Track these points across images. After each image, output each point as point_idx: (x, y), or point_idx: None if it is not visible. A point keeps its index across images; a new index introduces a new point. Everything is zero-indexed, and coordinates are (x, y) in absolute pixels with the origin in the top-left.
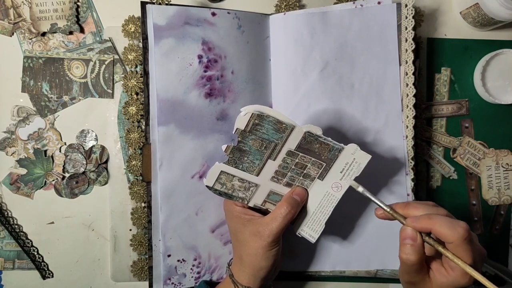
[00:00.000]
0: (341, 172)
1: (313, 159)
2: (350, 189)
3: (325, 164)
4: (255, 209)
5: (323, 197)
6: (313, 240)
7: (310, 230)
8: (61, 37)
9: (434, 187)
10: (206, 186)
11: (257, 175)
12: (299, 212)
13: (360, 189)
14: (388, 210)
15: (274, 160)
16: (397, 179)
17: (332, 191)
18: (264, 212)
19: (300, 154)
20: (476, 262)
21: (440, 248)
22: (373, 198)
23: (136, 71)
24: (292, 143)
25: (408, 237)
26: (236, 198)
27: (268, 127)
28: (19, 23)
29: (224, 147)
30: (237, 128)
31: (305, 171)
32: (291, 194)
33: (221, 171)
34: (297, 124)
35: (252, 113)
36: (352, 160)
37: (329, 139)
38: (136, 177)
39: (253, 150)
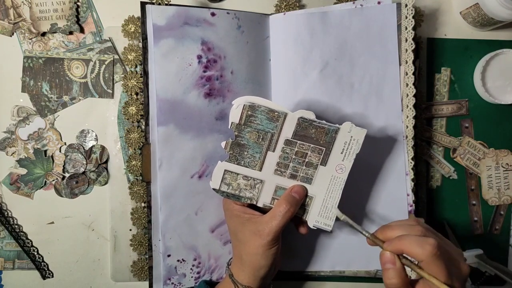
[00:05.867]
0: (341, 153)
1: (312, 145)
2: (350, 189)
3: (324, 148)
4: (255, 207)
5: (330, 181)
6: (329, 229)
7: (324, 218)
8: (61, 37)
9: (434, 187)
10: (213, 189)
11: (260, 169)
12: (309, 205)
13: (343, 217)
14: (369, 236)
15: (273, 151)
16: (397, 179)
17: (336, 174)
18: (263, 211)
19: (298, 142)
20: (453, 278)
21: (416, 269)
22: (355, 226)
23: (136, 71)
24: (288, 131)
25: (387, 261)
26: (244, 198)
27: (262, 117)
28: (19, 23)
29: (223, 144)
30: (232, 122)
31: (306, 160)
32: (290, 192)
33: (225, 170)
34: (289, 111)
35: (244, 105)
36: (350, 138)
37: (324, 122)
38: (136, 177)
39: (251, 143)
